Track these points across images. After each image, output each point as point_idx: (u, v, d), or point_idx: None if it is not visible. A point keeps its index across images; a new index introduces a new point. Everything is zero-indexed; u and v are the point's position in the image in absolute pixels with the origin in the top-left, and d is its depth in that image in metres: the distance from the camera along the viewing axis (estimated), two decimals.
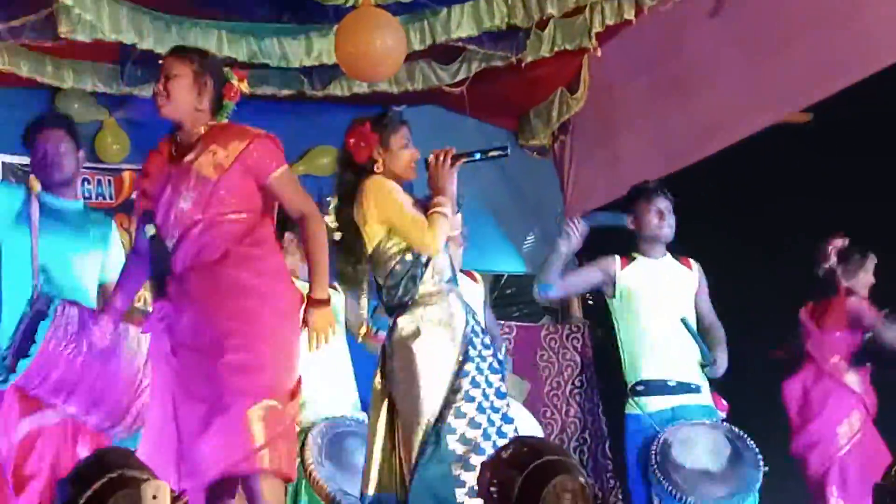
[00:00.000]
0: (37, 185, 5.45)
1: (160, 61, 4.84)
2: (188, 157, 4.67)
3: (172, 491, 3.18)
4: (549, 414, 8.49)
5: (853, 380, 7.25)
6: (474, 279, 6.45)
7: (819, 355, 7.30)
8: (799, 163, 7.74)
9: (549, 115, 9.23)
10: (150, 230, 4.65)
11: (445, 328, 4.82)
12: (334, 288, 5.85)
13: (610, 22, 8.00)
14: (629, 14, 7.87)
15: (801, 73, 7.36)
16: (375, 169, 4.97)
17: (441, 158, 5.07)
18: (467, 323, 4.88)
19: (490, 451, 4.51)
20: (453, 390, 4.71)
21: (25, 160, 7.81)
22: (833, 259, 7.30)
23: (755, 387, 7.32)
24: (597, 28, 8.05)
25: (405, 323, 4.83)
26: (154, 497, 3.16)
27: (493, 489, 4.09)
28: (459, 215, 5.25)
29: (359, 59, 7.16)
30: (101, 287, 5.49)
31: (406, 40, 7.44)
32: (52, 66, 8.04)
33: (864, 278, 7.25)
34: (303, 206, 4.78)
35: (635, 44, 8.40)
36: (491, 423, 4.75)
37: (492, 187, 9.24)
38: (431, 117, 9.28)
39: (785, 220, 7.78)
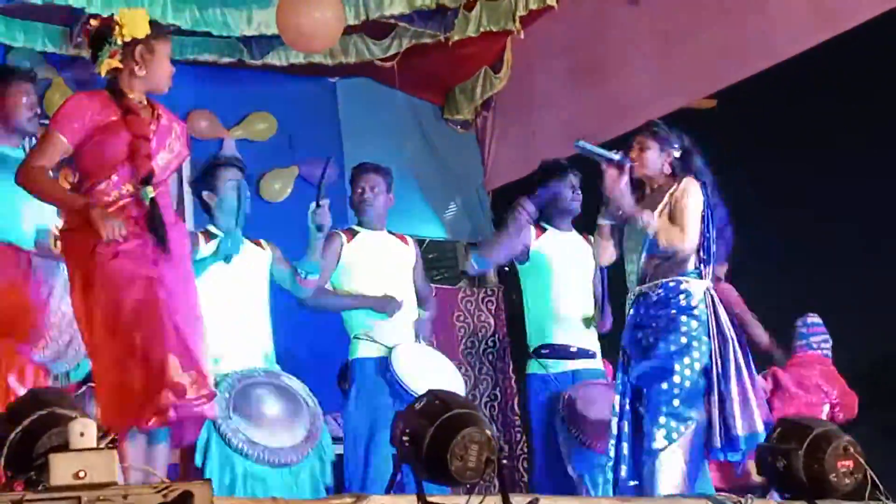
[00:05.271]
0: None
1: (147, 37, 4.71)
2: (164, 121, 4.77)
3: (100, 428, 3.14)
4: (463, 371, 8.44)
5: None
6: (405, 242, 6.36)
7: None
8: (703, 146, 7.75)
9: (473, 91, 9.19)
10: (151, 192, 4.61)
11: None
12: (260, 245, 5.82)
13: (533, 6, 7.97)
14: (552, 0, 7.87)
15: (707, 61, 7.40)
16: None
17: None
18: None
19: None
20: None
21: None
22: None
23: None
24: (521, 12, 8.02)
25: None
26: (81, 434, 3.11)
27: (405, 438, 4.09)
28: None
29: (299, 30, 7.08)
30: (46, 232, 5.32)
31: (344, 14, 7.37)
32: (4, 26, 7.88)
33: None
34: None
35: (556, 28, 8.39)
36: None
37: (417, 157, 9.21)
38: (363, 89, 9.24)
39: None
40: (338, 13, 7.08)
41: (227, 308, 5.55)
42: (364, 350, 6.03)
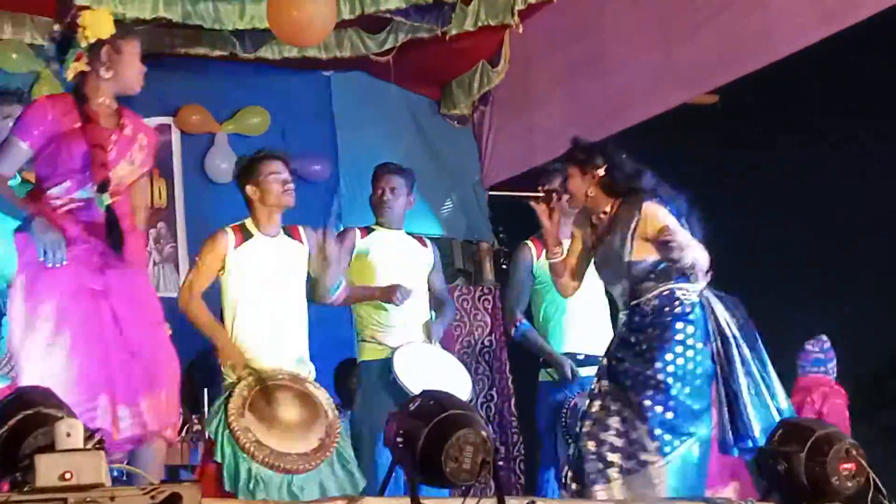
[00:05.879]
0: None
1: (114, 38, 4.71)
2: (127, 131, 4.72)
3: (86, 429, 3.11)
4: None
5: None
6: (424, 244, 6.33)
7: None
8: (706, 141, 7.76)
9: (470, 86, 9.16)
10: (107, 199, 4.58)
11: None
12: (298, 238, 5.69)
13: (532, 0, 7.95)
14: None
15: (709, 57, 7.38)
16: None
17: None
18: None
19: None
20: None
21: None
22: None
23: None
24: (519, 6, 8.02)
25: None
26: (68, 434, 3.09)
27: (399, 439, 4.05)
28: None
29: (290, 24, 7.04)
30: None
31: (336, 8, 7.33)
32: None
33: None
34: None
35: (555, 22, 8.37)
36: None
37: (413, 152, 9.14)
38: (357, 83, 9.20)
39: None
40: (330, 6, 7.04)
41: (259, 308, 5.48)
42: (371, 353, 6.06)
